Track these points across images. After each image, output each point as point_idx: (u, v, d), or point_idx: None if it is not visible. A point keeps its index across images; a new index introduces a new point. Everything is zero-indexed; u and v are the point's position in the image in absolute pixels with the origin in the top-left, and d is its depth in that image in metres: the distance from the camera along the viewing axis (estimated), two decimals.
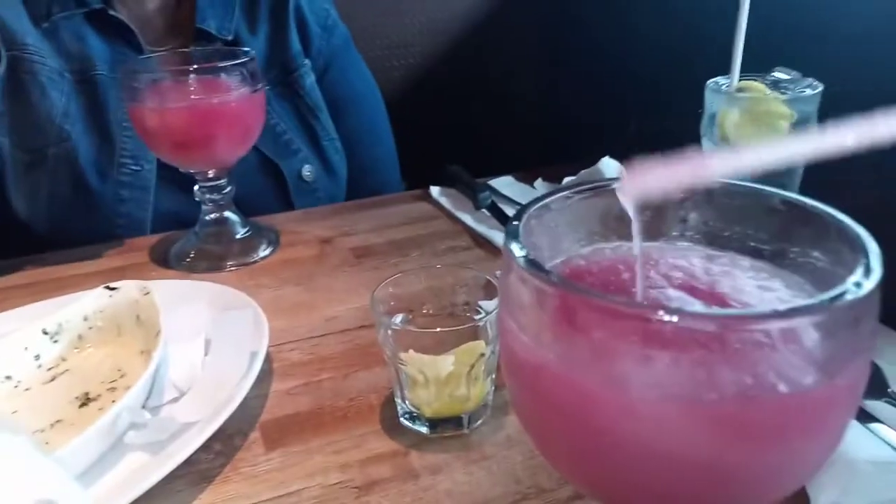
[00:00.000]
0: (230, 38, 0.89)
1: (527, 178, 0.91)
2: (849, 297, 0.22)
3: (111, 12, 0.84)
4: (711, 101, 0.62)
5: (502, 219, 0.81)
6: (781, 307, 0.22)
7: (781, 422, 0.22)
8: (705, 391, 0.22)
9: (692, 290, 0.27)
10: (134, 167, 0.86)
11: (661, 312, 0.22)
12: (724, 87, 0.61)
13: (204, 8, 0.89)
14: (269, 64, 0.94)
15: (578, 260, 0.31)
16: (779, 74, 0.60)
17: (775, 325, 0.21)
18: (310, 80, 0.96)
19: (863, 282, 0.23)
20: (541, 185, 0.89)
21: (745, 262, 0.29)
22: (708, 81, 0.63)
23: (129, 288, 0.58)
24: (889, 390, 0.47)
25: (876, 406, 0.46)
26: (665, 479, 0.25)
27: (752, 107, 0.59)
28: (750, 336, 0.21)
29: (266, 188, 0.92)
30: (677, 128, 0.63)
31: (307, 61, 0.96)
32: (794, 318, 0.22)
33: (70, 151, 0.83)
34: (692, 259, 0.30)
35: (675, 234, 0.33)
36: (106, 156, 0.85)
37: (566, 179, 0.85)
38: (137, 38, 0.86)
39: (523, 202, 0.89)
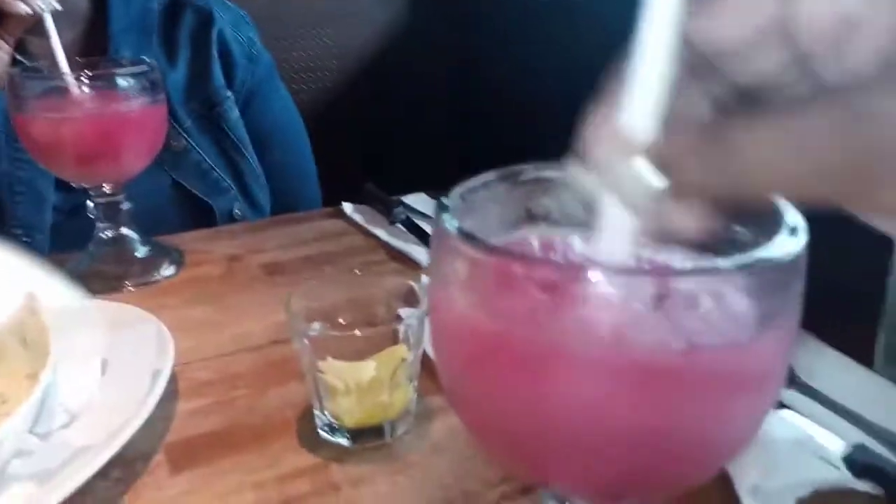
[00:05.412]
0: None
1: (440, 196, 0.90)
2: (778, 254, 0.22)
3: (18, 57, 0.78)
4: None
5: (418, 233, 0.80)
6: (718, 262, 0.22)
7: (717, 378, 0.22)
8: (640, 349, 0.22)
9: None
10: (24, 238, 0.80)
11: (595, 268, 0.21)
12: None
13: (118, 35, 0.84)
14: (190, 96, 0.89)
15: (507, 243, 0.30)
16: None
17: (711, 280, 0.21)
18: (234, 114, 0.92)
19: (789, 240, 0.23)
20: None
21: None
22: None
23: (14, 308, 0.53)
24: (798, 379, 0.49)
25: (787, 395, 0.48)
26: (601, 451, 0.24)
27: None
28: (687, 292, 0.21)
29: (192, 227, 0.87)
30: None
31: (230, 94, 0.92)
32: (728, 273, 0.22)
33: None
34: None
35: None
36: None
37: None
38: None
39: None
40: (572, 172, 0.23)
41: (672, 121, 0.22)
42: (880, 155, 0.19)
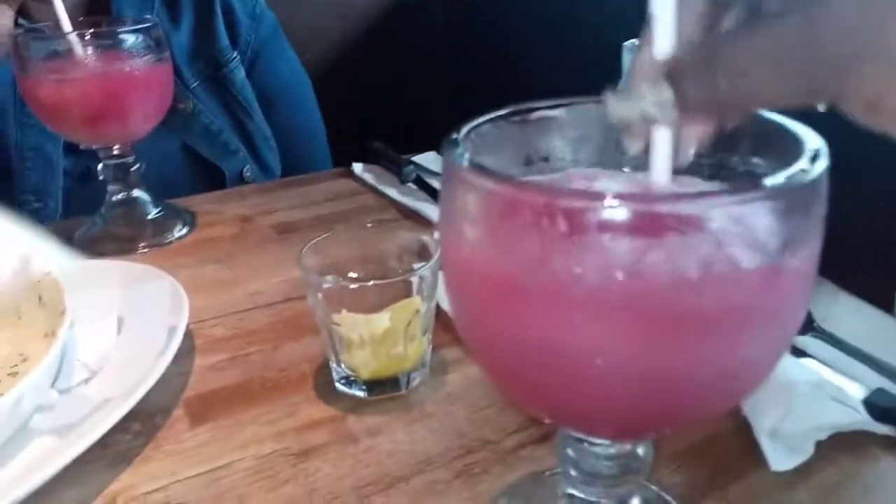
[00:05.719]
0: None
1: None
2: (802, 175, 0.22)
3: (21, 21, 0.77)
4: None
5: (429, 191, 0.79)
6: (741, 185, 0.22)
7: (740, 308, 0.22)
8: (663, 277, 0.21)
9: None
10: (36, 204, 0.79)
11: (612, 195, 0.21)
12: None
13: None
14: (195, 56, 0.88)
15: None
16: None
17: (737, 203, 0.21)
18: (241, 76, 0.91)
19: (811, 165, 0.22)
20: None
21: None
22: (626, 42, 0.63)
23: (28, 268, 0.53)
24: (815, 325, 0.49)
25: (805, 341, 0.48)
26: (618, 388, 0.24)
27: None
28: (711, 216, 0.21)
29: (203, 191, 0.87)
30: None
31: (236, 55, 0.91)
32: (751, 196, 0.21)
33: None
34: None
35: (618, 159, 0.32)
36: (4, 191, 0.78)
37: None
38: None
39: None
40: (608, 102, 0.25)
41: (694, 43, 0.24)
42: (823, 73, 0.21)
